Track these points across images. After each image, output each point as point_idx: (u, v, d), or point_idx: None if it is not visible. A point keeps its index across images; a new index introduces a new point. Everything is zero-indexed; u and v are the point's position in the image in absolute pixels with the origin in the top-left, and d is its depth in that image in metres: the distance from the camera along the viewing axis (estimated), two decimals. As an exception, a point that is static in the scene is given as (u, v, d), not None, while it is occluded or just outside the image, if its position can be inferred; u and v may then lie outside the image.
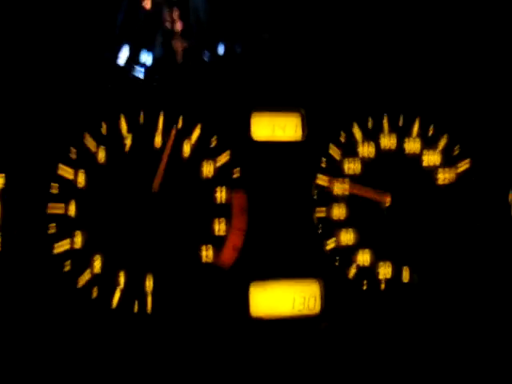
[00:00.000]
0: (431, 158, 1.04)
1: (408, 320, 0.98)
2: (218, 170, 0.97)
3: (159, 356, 0.90)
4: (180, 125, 0.96)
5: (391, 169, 1.02)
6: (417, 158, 1.04)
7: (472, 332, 0.97)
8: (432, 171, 1.04)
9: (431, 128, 1.04)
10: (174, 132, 0.96)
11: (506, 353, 0.93)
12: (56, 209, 0.91)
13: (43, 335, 0.87)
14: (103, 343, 0.89)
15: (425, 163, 1.04)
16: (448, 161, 1.04)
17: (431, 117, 1.05)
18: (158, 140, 0.95)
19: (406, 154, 1.03)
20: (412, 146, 1.04)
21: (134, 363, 0.88)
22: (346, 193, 1.01)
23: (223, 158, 0.97)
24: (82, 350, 0.87)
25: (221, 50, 1.00)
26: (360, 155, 1.02)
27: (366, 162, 1.02)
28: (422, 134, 1.04)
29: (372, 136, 1.03)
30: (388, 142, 1.03)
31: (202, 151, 0.97)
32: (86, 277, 0.91)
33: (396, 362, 0.92)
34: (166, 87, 0.97)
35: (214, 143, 0.97)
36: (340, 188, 1.00)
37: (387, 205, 1.01)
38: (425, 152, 1.04)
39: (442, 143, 1.05)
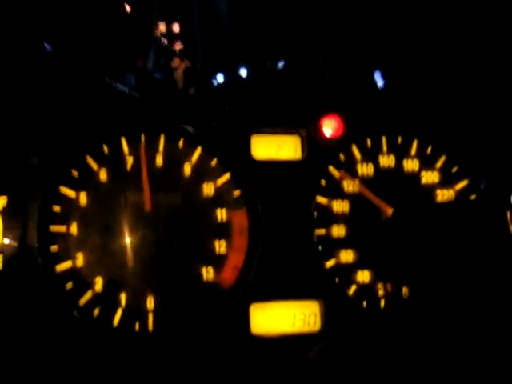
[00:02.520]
0: (430, 178, 1.05)
1: (408, 337, 0.98)
2: (218, 190, 0.98)
3: (160, 375, 0.90)
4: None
5: (390, 188, 1.03)
6: (415, 177, 1.05)
7: (473, 349, 0.96)
8: (430, 190, 1.05)
9: (429, 148, 1.06)
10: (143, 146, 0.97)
11: (506, 369, 0.93)
12: (58, 229, 0.92)
13: (44, 354, 0.87)
14: (104, 362, 0.89)
15: (423, 182, 1.05)
16: (446, 180, 1.05)
17: (429, 137, 1.06)
18: (159, 161, 0.96)
19: (404, 174, 1.04)
20: (410, 165, 1.05)
21: (135, 382, 0.88)
22: (346, 211, 1.02)
23: (223, 179, 0.98)
24: (83, 369, 0.87)
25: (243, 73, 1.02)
26: (359, 175, 1.03)
27: (365, 182, 1.03)
28: (421, 154, 1.05)
29: (371, 156, 1.04)
30: (387, 161, 1.04)
31: (203, 172, 0.98)
32: (87, 296, 0.91)
33: (396, 380, 0.92)
34: (167, 109, 0.99)
35: (214, 164, 0.98)
36: (340, 206, 1.02)
37: (389, 215, 1.02)
38: (423, 172, 1.05)
39: (440, 163, 1.06)
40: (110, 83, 0.97)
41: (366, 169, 1.03)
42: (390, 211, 1.01)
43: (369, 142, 1.04)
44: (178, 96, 1.00)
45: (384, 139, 1.05)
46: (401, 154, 1.05)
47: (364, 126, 1.04)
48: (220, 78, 1.04)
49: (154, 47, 1.01)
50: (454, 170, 1.06)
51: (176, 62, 1.02)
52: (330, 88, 1.05)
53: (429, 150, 1.06)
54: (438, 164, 1.06)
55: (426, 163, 1.05)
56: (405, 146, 1.05)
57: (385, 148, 1.05)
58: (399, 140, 1.05)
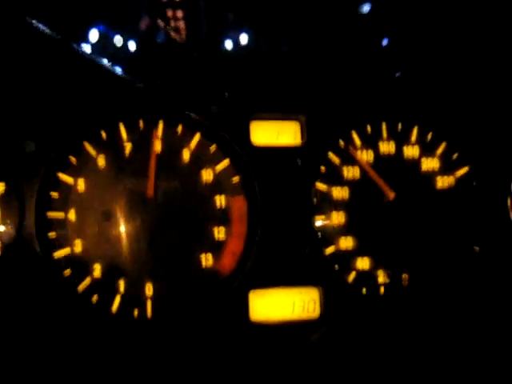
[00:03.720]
0: (430, 164, 1.04)
1: (407, 325, 0.98)
2: (217, 176, 0.97)
3: (159, 362, 0.89)
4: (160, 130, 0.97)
5: (390, 174, 1.02)
6: (415, 164, 1.04)
7: (472, 337, 0.96)
8: (431, 177, 1.04)
9: (430, 135, 1.05)
10: (156, 134, 0.96)
11: (506, 356, 0.93)
12: (56, 215, 0.91)
13: (43, 341, 0.87)
14: (103, 349, 0.89)
15: (423, 169, 1.04)
16: (446, 167, 1.05)
17: (430, 124, 1.05)
18: (157, 147, 0.96)
19: (404, 160, 1.04)
20: (411, 152, 1.04)
21: (133, 369, 0.87)
22: (346, 198, 1.01)
23: (223, 165, 0.98)
24: (81, 355, 0.87)
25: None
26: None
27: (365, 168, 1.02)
28: (421, 141, 1.05)
29: (371, 142, 1.03)
30: (387, 148, 1.04)
31: (202, 158, 0.97)
32: (85, 282, 0.91)
33: (395, 367, 0.92)
34: (166, 94, 0.98)
35: (213, 150, 0.98)
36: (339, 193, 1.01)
37: (391, 198, 1.01)
38: (423, 158, 1.04)
39: (441, 150, 1.05)
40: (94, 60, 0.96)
41: (366, 155, 1.03)
42: (392, 194, 1.01)
43: (369, 129, 1.04)
44: (181, 63, 0.99)
45: (384, 125, 1.04)
46: (401, 140, 1.04)
47: (364, 112, 1.04)
48: (228, 45, 1.02)
49: (147, 4, 0.99)
50: (455, 156, 1.05)
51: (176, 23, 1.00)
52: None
53: (429, 136, 1.05)
54: (439, 150, 1.05)
55: (427, 150, 1.05)
56: (405, 133, 1.05)
57: (385, 134, 1.04)
58: (399, 126, 1.05)
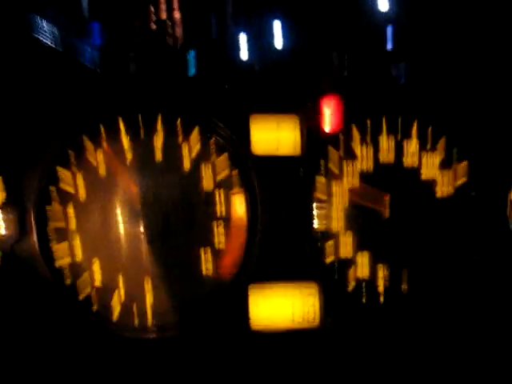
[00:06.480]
0: (430, 163, 1.04)
1: (408, 330, 0.99)
2: (216, 172, 0.96)
3: (160, 369, 0.90)
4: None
5: (389, 172, 1.02)
6: (415, 161, 1.03)
7: (473, 343, 0.97)
8: (431, 178, 1.03)
9: (429, 130, 1.04)
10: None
11: (507, 361, 0.93)
12: (54, 210, 0.91)
13: (42, 350, 0.87)
14: (103, 355, 0.89)
15: (423, 166, 1.03)
16: (447, 164, 1.04)
17: (430, 119, 1.04)
18: (157, 143, 0.95)
19: (403, 157, 1.03)
20: (410, 148, 1.03)
21: (133, 375, 0.88)
22: (346, 204, 1.01)
23: (222, 159, 0.97)
24: (81, 364, 0.88)
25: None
26: (358, 166, 1.01)
27: (364, 175, 1.01)
28: (421, 137, 1.04)
29: (371, 137, 1.02)
30: (386, 143, 1.03)
31: (200, 153, 0.96)
32: (83, 277, 0.91)
33: (396, 373, 0.93)
34: (166, 89, 0.96)
35: (212, 144, 0.97)
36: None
37: (386, 215, 1.01)
38: (423, 153, 1.04)
39: (441, 146, 1.04)
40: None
41: (365, 150, 1.02)
42: (386, 206, 1.01)
43: (368, 123, 1.03)
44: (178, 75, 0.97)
45: (384, 120, 1.03)
46: (401, 135, 1.03)
47: (364, 106, 1.03)
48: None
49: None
50: (455, 153, 1.04)
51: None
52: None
53: (429, 132, 1.04)
54: (439, 147, 1.04)
55: (426, 145, 1.04)
56: (405, 128, 1.04)
57: (385, 129, 1.03)
58: (399, 121, 1.04)
